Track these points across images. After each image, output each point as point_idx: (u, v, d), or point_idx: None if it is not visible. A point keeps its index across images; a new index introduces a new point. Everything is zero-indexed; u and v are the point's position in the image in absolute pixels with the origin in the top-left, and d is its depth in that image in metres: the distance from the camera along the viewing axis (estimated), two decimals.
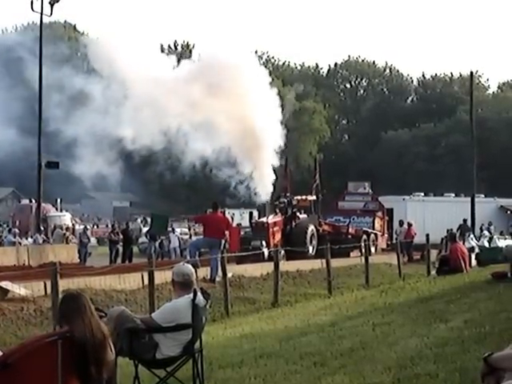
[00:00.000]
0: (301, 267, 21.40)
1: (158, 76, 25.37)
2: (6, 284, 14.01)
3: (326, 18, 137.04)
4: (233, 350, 9.21)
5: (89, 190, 68.93)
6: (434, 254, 23.86)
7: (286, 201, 27.10)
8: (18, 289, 14.09)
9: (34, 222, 36.16)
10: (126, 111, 25.79)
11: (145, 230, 38.67)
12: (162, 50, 48.02)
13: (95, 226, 51.99)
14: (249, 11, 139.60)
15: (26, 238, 33.03)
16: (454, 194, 44.89)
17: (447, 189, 48.27)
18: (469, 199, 39.04)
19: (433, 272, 20.65)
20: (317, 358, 7.90)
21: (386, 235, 33.52)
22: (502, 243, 26.90)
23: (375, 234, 31.70)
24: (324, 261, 19.33)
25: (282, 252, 21.40)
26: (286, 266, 20.19)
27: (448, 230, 25.12)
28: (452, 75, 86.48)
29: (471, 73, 46.70)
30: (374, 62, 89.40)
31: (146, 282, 13.60)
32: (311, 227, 26.80)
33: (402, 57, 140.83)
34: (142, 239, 37.46)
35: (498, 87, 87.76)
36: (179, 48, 75.38)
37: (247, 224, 30.09)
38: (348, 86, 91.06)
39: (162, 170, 48.74)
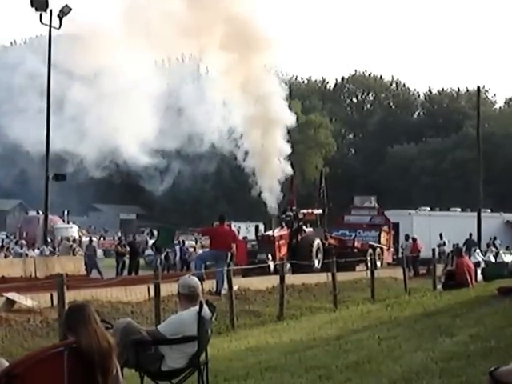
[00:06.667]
0: (306, 281, 21.36)
1: None
2: (12, 295, 14.03)
3: (332, 33, 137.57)
4: (238, 362, 9.22)
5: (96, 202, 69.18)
6: (439, 268, 23.84)
7: (292, 214, 27.10)
8: (24, 300, 14.10)
9: (40, 234, 36.22)
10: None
11: (151, 242, 38.74)
12: None
13: (102, 238, 52.03)
14: None
15: (33, 250, 33.14)
16: (460, 209, 44.76)
17: (453, 203, 48.08)
18: (475, 214, 38.90)
19: (439, 286, 20.62)
20: (322, 372, 7.90)
21: (391, 249, 33.47)
22: (507, 258, 26.88)
23: (381, 248, 31.66)
24: (330, 274, 19.32)
25: (288, 265, 21.40)
26: (291, 279, 20.17)
27: (454, 245, 25.11)
28: (459, 90, 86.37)
29: (478, 88, 46.58)
30: (380, 77, 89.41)
31: (152, 294, 13.59)
32: (317, 241, 26.80)
33: (408, 71, 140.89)
34: (148, 251, 37.46)
35: (505, 102, 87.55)
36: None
37: (253, 237, 30.11)
38: (355, 100, 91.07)
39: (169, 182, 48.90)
